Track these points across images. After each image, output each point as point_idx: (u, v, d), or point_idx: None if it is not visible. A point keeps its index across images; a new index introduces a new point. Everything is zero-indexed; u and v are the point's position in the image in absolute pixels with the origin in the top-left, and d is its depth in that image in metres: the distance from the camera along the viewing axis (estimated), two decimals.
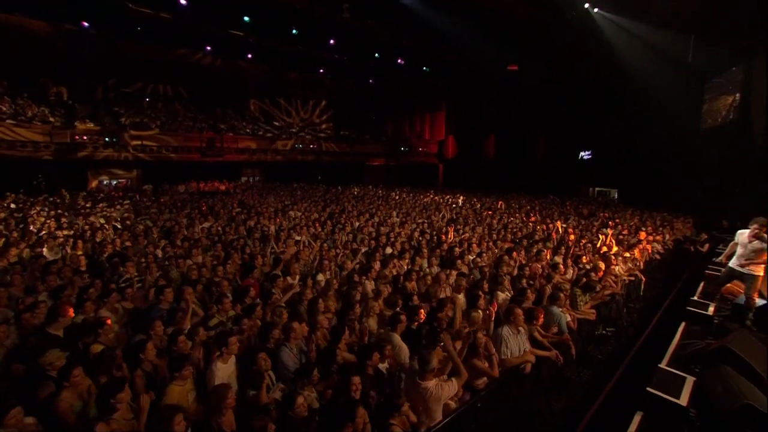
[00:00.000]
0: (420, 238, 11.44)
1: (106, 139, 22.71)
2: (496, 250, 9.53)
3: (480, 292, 6.14)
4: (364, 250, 9.61)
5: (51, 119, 23.05)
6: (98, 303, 5.78)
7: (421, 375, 3.72)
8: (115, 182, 26.94)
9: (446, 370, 4.04)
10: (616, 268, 8.05)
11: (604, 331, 7.25)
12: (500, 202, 19.87)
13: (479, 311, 5.46)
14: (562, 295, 5.87)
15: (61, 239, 10.08)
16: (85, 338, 4.79)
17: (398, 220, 14.39)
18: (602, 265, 8.16)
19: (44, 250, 9.23)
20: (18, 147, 21.10)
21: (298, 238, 10.31)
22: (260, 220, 12.78)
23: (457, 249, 9.40)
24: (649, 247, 9.79)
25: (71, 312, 4.58)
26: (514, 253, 8.82)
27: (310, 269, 8.15)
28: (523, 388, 4.86)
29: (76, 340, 4.77)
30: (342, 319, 5.60)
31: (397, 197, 22.79)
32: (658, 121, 19.75)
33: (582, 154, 25.71)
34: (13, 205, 16.80)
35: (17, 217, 13.73)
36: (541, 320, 5.21)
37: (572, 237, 10.60)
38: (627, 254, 8.86)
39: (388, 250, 9.89)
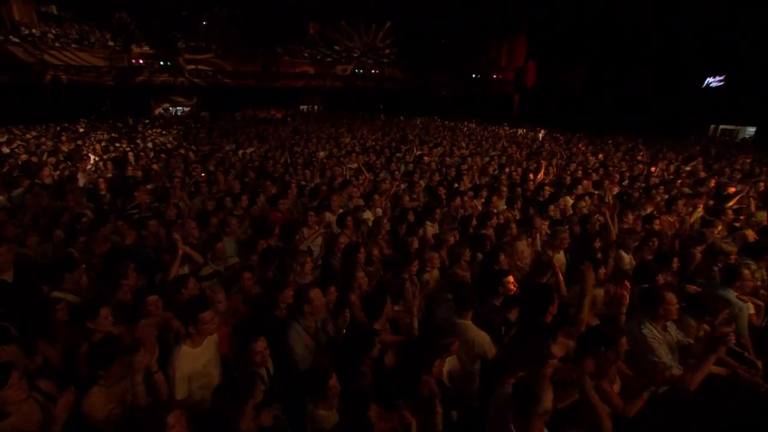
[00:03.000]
0: (496, 173, 9.21)
1: (161, 63, 22.07)
2: (603, 194, 7.09)
3: (598, 254, 4.09)
4: (425, 184, 7.70)
5: (111, 43, 22.73)
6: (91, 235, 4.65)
7: (520, 422, 1.91)
8: (180, 109, 27.27)
9: (566, 398, 2.21)
10: None
11: None
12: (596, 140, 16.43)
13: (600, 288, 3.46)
14: (745, 270, 3.56)
15: (98, 161, 9.38)
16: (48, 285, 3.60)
17: (467, 151, 12.08)
18: None
19: (79, 172, 8.49)
20: (84, 72, 21.26)
21: (349, 166, 8.60)
22: (308, 146, 11.21)
23: (547, 188, 7.13)
24: None
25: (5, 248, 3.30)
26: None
27: (356, 205, 6.47)
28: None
29: (37, 285, 3.59)
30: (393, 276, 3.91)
31: (465, 129, 20.08)
32: None
33: (709, 80, 20.00)
34: (81, 129, 17.06)
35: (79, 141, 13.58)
36: (723, 316, 3.07)
37: (712, 183, 7.71)
38: None
39: (456, 186, 7.91)
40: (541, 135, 19.16)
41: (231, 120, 21.57)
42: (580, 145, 13.95)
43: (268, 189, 6.73)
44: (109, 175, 8.22)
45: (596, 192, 7.23)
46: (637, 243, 4.62)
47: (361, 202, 6.57)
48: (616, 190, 7.28)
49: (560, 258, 4.70)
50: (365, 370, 2.59)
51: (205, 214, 5.34)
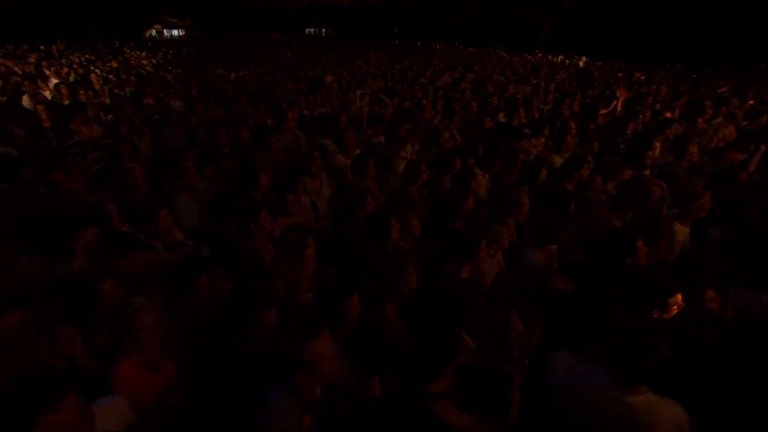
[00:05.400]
0: (542, 107, 7.28)
1: None
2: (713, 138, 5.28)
3: None
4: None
5: None
6: None
7: None
8: (176, 33, 25.09)
9: None
10: None
11: None
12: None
13: None
14: None
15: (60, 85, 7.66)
16: None
17: (503, 79, 10.00)
18: None
19: (24, 97, 6.83)
20: None
21: (364, 92, 6.79)
22: (314, 69, 9.25)
23: (630, 125, 5.33)
24: None
25: None
26: None
27: (375, 142, 4.82)
28: None
29: None
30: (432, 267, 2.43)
31: (494, 56, 17.50)
32: None
33: None
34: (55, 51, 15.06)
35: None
36: None
37: None
38: None
39: (501, 119, 6.14)
40: (581, 63, 16.70)
41: (227, 42, 19.16)
42: (638, 75, 11.66)
43: (260, 119, 5.09)
44: (67, 102, 6.60)
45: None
46: None
47: (381, 139, 4.93)
48: (727, 129, 5.44)
49: (683, 232, 3.14)
50: None
51: (167, 156, 3.80)
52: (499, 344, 1.95)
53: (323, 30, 27.84)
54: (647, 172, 4.26)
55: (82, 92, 5.94)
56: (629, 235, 2.36)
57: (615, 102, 6.61)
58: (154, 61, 12.00)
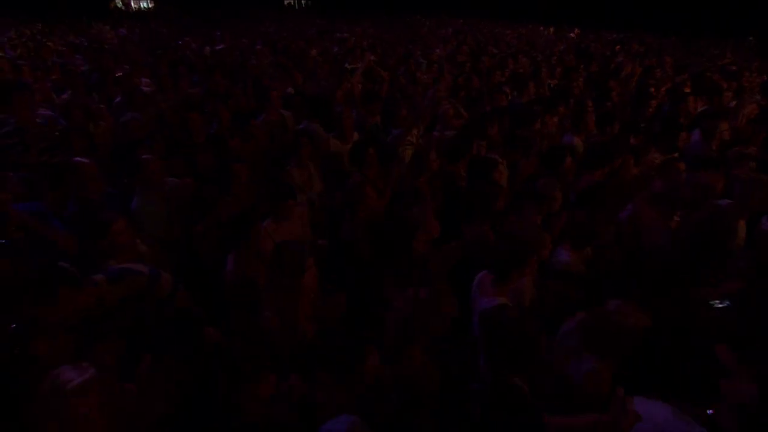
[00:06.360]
0: (549, 82, 6.71)
1: None
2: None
3: None
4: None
5: None
6: None
7: None
8: (146, 5, 23.88)
9: None
10: None
11: None
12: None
13: None
14: None
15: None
16: None
17: (497, 51, 9.39)
18: None
19: None
20: None
21: (354, 66, 6.11)
22: (296, 43, 8.46)
23: (653, 102, 4.86)
24: None
25: None
26: None
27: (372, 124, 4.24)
28: None
29: None
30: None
31: (484, 29, 16.70)
32: None
33: None
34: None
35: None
36: None
37: None
38: None
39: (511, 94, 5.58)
40: (574, 35, 16.12)
41: (201, 14, 17.88)
42: (635, 47, 11.18)
43: (237, 98, 4.44)
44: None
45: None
46: None
47: (377, 119, 4.36)
48: (750, 105, 5.02)
49: (741, 227, 2.73)
50: None
51: (129, 146, 3.17)
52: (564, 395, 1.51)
53: (303, 1, 26.49)
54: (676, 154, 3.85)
55: (27, 68, 5.10)
56: (707, 254, 1.88)
57: (631, 79, 6.10)
58: (118, 35, 10.92)
